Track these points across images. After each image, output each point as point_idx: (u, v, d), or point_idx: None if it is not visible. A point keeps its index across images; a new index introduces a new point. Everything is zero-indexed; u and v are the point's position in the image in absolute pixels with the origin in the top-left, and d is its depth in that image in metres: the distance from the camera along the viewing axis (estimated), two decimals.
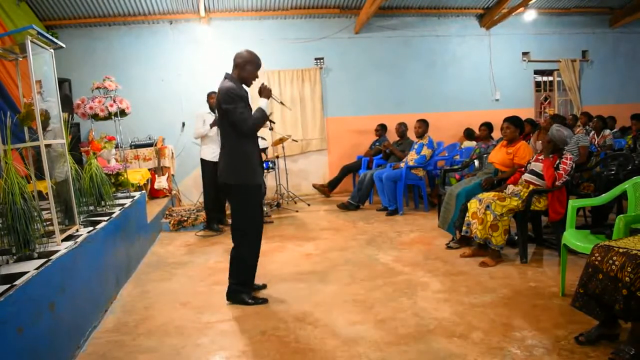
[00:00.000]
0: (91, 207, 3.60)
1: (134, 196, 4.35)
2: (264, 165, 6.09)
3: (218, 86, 2.98)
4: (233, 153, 2.95)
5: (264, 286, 3.30)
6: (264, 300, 3.03)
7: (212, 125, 5.16)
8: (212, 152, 5.20)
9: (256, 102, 3.01)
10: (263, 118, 2.96)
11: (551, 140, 3.54)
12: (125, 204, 3.91)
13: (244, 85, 3.01)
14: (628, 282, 1.89)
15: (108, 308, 3.02)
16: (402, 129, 6.43)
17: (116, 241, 3.44)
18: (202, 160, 5.28)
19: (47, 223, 2.60)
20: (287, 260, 3.97)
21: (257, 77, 3.04)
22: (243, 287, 3.04)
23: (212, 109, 5.26)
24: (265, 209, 6.04)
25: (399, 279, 3.34)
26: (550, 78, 9.03)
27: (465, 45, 8.09)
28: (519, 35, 8.28)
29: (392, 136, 6.88)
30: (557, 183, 3.46)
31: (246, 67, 2.96)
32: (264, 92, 3.08)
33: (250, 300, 3.01)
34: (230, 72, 3.01)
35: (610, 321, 2.15)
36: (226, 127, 2.96)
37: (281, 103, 3.35)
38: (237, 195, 3.00)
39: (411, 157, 5.83)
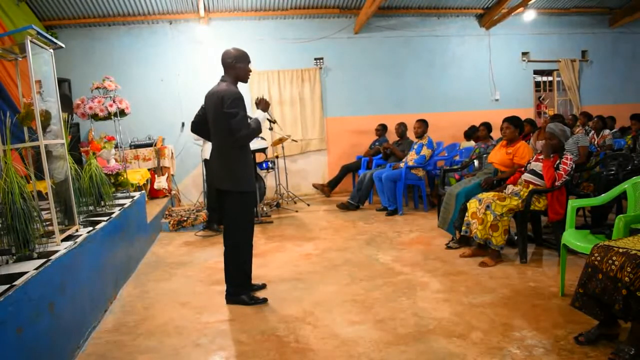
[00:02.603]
0: (91, 207, 3.59)
1: (134, 196, 4.35)
2: (264, 165, 6.10)
3: (214, 89, 2.93)
4: (230, 158, 2.94)
5: (264, 286, 3.30)
6: (264, 300, 3.03)
7: None
8: None
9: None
10: (257, 130, 2.95)
11: (553, 136, 3.54)
12: (124, 204, 3.91)
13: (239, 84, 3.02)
14: (628, 282, 1.90)
15: (107, 308, 3.02)
16: (401, 129, 6.43)
17: (116, 241, 3.44)
18: (206, 160, 5.26)
19: (47, 223, 2.60)
20: (287, 260, 3.97)
21: (250, 71, 3.03)
22: (240, 288, 3.04)
23: None
24: (265, 208, 6.05)
25: (398, 279, 3.34)
26: (550, 78, 9.04)
27: (464, 45, 8.10)
28: (518, 35, 8.29)
29: (391, 136, 6.89)
30: (556, 183, 3.46)
31: (237, 64, 2.93)
32: (262, 104, 3.08)
33: (249, 301, 3.01)
34: (224, 75, 2.97)
35: (610, 321, 2.15)
36: (223, 131, 2.91)
37: (272, 122, 3.34)
38: (235, 201, 2.97)
39: (411, 157, 5.83)
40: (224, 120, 2.84)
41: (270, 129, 6.22)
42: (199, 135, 3.26)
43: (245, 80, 3.02)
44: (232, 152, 2.93)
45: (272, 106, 7.35)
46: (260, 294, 3.12)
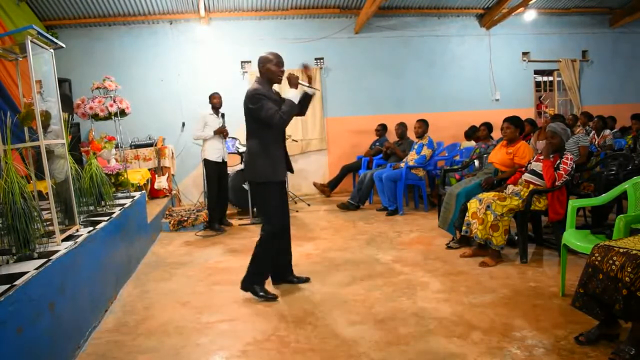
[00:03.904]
0: (91, 207, 3.59)
1: (134, 196, 4.35)
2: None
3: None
4: (255, 151, 3.08)
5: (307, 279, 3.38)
6: (274, 297, 3.06)
7: (216, 133, 5.16)
8: (216, 152, 5.22)
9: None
10: (291, 109, 3.04)
11: (554, 134, 3.54)
12: (125, 204, 3.91)
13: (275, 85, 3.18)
14: (628, 282, 1.89)
15: (108, 308, 3.02)
16: (401, 129, 6.42)
17: (116, 241, 3.44)
18: (206, 160, 5.28)
19: (47, 223, 2.60)
20: None
21: (282, 72, 3.14)
22: (256, 277, 3.10)
23: (215, 109, 5.27)
24: None
25: (398, 279, 3.34)
26: (550, 78, 9.03)
27: (465, 45, 8.09)
28: (519, 35, 8.28)
29: (392, 136, 6.89)
30: (557, 183, 3.46)
31: (266, 66, 3.09)
32: (291, 80, 3.12)
33: (261, 293, 3.05)
34: (257, 76, 3.15)
35: (610, 321, 2.15)
36: (250, 127, 3.10)
37: (309, 86, 3.35)
38: (256, 191, 3.22)
39: (411, 157, 5.83)
40: (250, 117, 3.06)
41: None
42: None
43: (277, 81, 3.14)
44: (257, 144, 3.07)
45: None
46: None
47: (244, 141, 6.05)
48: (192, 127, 5.52)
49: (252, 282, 3.09)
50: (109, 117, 4.31)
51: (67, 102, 5.30)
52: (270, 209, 3.11)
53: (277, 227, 3.12)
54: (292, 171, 3.30)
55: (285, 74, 3.15)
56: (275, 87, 3.24)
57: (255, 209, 5.58)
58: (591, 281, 2.08)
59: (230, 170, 5.93)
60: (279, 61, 3.10)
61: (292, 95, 3.07)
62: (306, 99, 3.19)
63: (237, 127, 6.60)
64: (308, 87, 3.27)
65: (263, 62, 3.10)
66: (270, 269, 3.20)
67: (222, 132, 5.25)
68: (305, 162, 7.66)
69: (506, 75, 8.23)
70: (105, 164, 4.39)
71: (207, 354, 2.39)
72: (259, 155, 3.07)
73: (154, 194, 6.24)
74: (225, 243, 4.75)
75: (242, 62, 7.25)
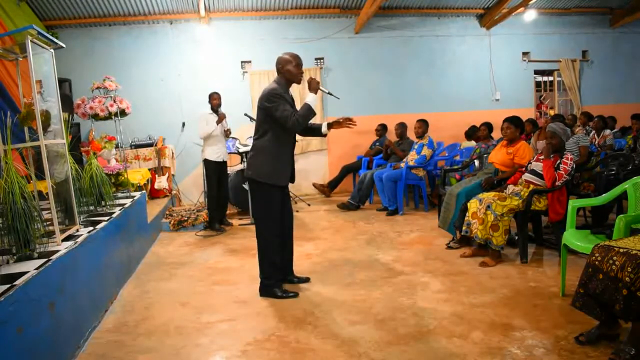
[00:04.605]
0: (91, 207, 3.59)
1: (134, 196, 4.35)
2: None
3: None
4: (262, 150, 3.07)
5: (307, 279, 3.38)
6: (295, 295, 3.08)
7: (218, 122, 5.17)
8: (216, 152, 5.23)
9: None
10: (307, 113, 3.03)
11: (554, 135, 3.54)
12: (125, 204, 3.91)
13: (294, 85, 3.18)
14: (628, 282, 1.89)
15: (108, 308, 3.03)
16: (400, 129, 6.42)
17: (116, 241, 3.44)
18: (206, 160, 5.28)
19: (47, 223, 2.60)
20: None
21: (302, 73, 3.14)
22: (270, 280, 3.11)
23: (214, 109, 5.27)
24: None
25: (399, 279, 3.34)
26: (551, 78, 9.04)
27: (465, 45, 8.09)
28: (519, 35, 8.28)
29: (392, 136, 6.89)
30: (557, 183, 3.46)
31: (285, 67, 3.09)
32: (312, 85, 3.12)
33: (280, 294, 3.06)
34: (276, 77, 3.16)
35: (611, 321, 2.15)
36: (262, 125, 3.08)
37: (329, 93, 3.37)
38: (253, 189, 3.18)
39: (411, 157, 5.83)
40: (263, 115, 3.05)
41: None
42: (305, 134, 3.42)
43: (296, 81, 3.15)
44: (262, 143, 3.07)
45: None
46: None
47: (244, 141, 6.15)
48: (196, 127, 5.49)
49: (269, 287, 3.10)
50: (109, 117, 4.31)
51: (67, 102, 5.31)
52: (266, 211, 3.09)
53: (275, 230, 3.10)
54: (292, 180, 3.23)
55: (306, 78, 3.14)
56: (293, 89, 3.24)
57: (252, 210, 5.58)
58: (591, 281, 2.08)
59: (230, 170, 5.93)
60: (298, 62, 3.10)
61: (311, 99, 3.05)
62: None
63: (237, 127, 6.64)
64: (329, 93, 3.27)
65: (282, 63, 3.09)
66: (279, 269, 3.18)
67: (222, 120, 5.22)
68: (305, 162, 7.65)
69: (506, 75, 8.23)
70: (105, 164, 4.39)
71: (207, 354, 2.39)
72: (265, 155, 3.06)
73: (154, 194, 6.24)
74: (225, 243, 4.75)
75: (242, 62, 7.26)
